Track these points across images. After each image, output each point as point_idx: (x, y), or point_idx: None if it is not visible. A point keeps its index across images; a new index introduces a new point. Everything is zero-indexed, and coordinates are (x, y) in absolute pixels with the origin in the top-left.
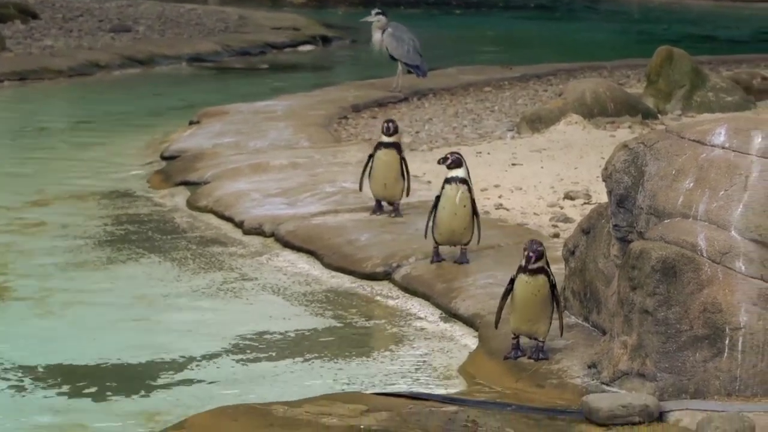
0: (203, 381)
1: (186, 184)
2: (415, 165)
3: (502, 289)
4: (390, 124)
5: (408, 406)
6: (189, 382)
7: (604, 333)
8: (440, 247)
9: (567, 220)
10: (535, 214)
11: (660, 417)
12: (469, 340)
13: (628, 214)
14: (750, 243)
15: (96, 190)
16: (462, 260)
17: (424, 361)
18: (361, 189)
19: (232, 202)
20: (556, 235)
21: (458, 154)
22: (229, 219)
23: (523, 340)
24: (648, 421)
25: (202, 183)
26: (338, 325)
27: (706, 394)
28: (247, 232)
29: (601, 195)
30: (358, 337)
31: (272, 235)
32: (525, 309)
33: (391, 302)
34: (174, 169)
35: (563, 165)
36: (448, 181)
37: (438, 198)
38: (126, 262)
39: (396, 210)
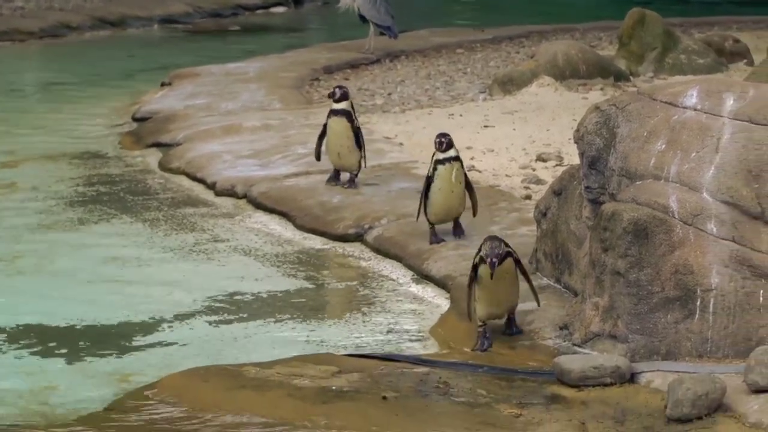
0: (175, 342)
1: (158, 145)
2: (387, 127)
3: (473, 251)
4: (338, 90)
5: (380, 368)
6: (161, 343)
7: (575, 294)
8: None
9: (539, 181)
10: (507, 175)
11: (631, 378)
12: (440, 301)
13: (600, 176)
14: (721, 205)
15: (67, 151)
16: (459, 233)
17: (396, 323)
18: (318, 158)
19: (204, 163)
20: (528, 197)
21: (448, 135)
22: (201, 180)
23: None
24: (619, 383)
25: (174, 144)
26: (310, 286)
27: (678, 356)
28: (219, 194)
29: (573, 157)
30: (330, 299)
31: (244, 196)
32: (495, 293)
33: (363, 264)
34: (146, 131)
35: (535, 127)
36: (441, 162)
37: (429, 179)
38: (97, 223)
39: (351, 182)
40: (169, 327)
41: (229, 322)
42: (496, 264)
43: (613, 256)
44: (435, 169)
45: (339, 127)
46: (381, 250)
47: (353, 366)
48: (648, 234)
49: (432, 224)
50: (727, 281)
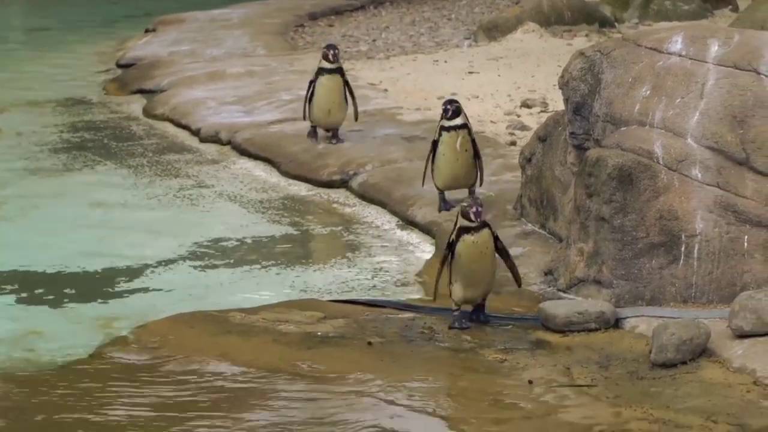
0: (160, 288)
1: (142, 92)
2: (372, 73)
3: (460, 198)
4: (333, 51)
5: (365, 313)
6: (146, 289)
7: (560, 240)
8: (445, 193)
9: (524, 128)
10: (492, 122)
11: (616, 324)
12: (425, 247)
13: (585, 122)
14: (706, 150)
15: (52, 97)
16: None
17: (381, 269)
18: (305, 118)
19: (189, 110)
20: (513, 143)
21: (456, 102)
22: (185, 127)
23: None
24: (604, 328)
25: (158, 91)
26: (295, 232)
27: (662, 301)
28: (203, 140)
29: (557, 103)
30: (315, 245)
31: (229, 142)
32: (473, 273)
33: (347, 210)
34: (130, 77)
35: (520, 73)
36: (446, 129)
37: (435, 143)
38: (82, 170)
39: (335, 136)
40: (154, 273)
41: (214, 267)
42: (480, 213)
43: (597, 201)
44: (440, 135)
45: (331, 83)
46: (366, 196)
47: (338, 312)
48: (633, 180)
49: (440, 190)
50: (712, 227)
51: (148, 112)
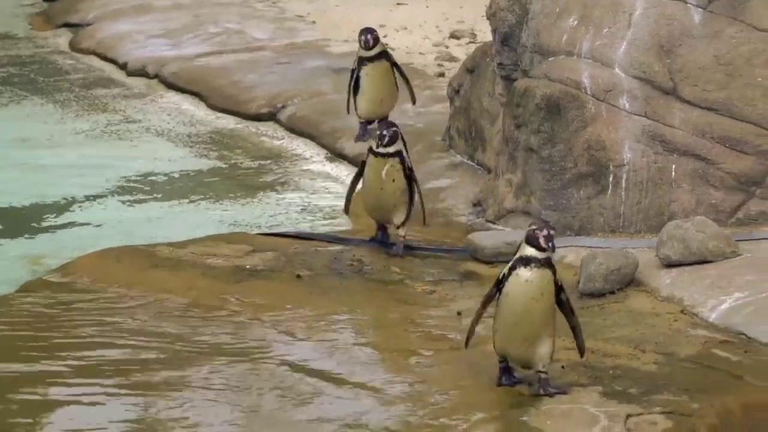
0: (88, 223)
1: (68, 25)
2: (299, 5)
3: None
4: (366, 36)
5: (293, 246)
6: (74, 224)
7: (489, 171)
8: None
9: (452, 59)
10: (420, 53)
11: None
12: None
13: (513, 53)
14: (634, 80)
15: None
16: (396, 251)
17: (310, 201)
18: (348, 111)
19: (115, 43)
20: (441, 75)
21: (395, 128)
22: (112, 61)
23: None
24: None
25: (84, 24)
26: (223, 166)
27: (590, 231)
28: (130, 74)
29: (485, 34)
30: (244, 178)
31: (156, 76)
32: (519, 324)
33: (276, 143)
34: (56, 11)
35: (448, 4)
36: (373, 153)
37: (362, 164)
38: (8, 105)
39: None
40: (82, 208)
41: (142, 202)
42: (551, 243)
43: (525, 132)
44: (367, 155)
45: (377, 71)
46: (294, 128)
47: (267, 245)
48: (560, 110)
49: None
50: (640, 156)
51: (74, 46)
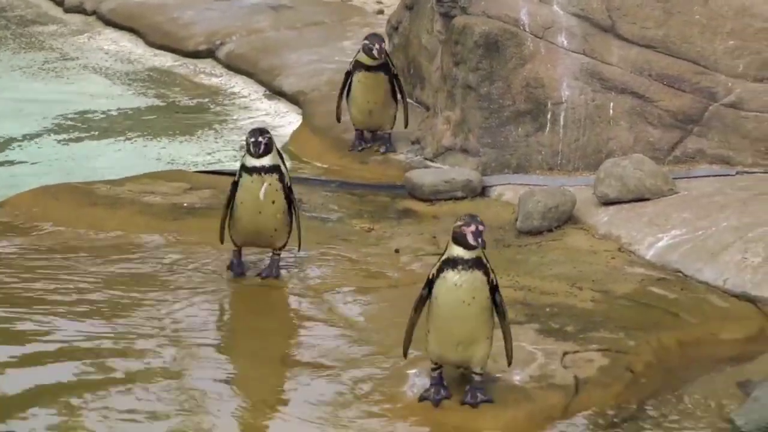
0: (24, 161)
1: None
2: None
3: (327, 66)
4: (377, 46)
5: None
6: (10, 162)
7: (427, 109)
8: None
9: None
10: None
11: (483, 192)
12: (293, 117)
13: None
14: (572, 17)
15: None
16: (269, 273)
17: None
18: (338, 119)
19: None
20: (380, 12)
21: (269, 134)
22: None
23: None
24: (471, 196)
25: None
26: (161, 104)
27: (528, 169)
28: (68, 11)
29: None
30: (182, 116)
31: (94, 13)
32: (451, 327)
33: (214, 80)
34: None
35: None
36: (247, 170)
37: (234, 185)
38: None
39: (388, 143)
40: (18, 146)
41: (80, 140)
42: (480, 236)
43: (464, 69)
44: (240, 175)
45: (372, 81)
46: (232, 66)
47: (205, 182)
48: (499, 47)
49: (237, 246)
50: (578, 94)
51: None
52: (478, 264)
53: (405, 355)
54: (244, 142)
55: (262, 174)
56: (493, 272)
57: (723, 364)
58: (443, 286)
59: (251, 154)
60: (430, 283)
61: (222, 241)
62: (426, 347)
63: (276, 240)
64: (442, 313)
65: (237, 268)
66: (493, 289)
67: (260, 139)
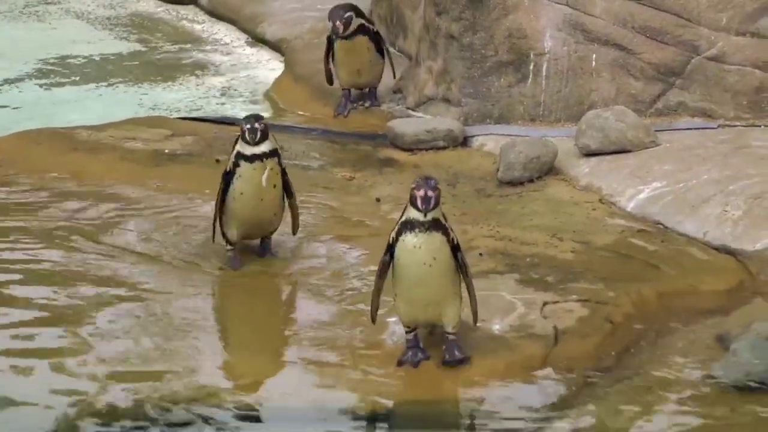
0: (5, 106)
1: None
2: None
3: (309, 15)
4: (340, 23)
5: (213, 131)
6: None
7: (410, 59)
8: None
9: None
10: None
11: (464, 142)
12: (275, 65)
13: None
14: None
15: None
16: (266, 251)
17: (230, 86)
18: (330, 82)
19: None
20: None
21: (263, 119)
22: None
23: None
24: (452, 146)
25: None
26: (143, 49)
27: (510, 119)
28: None
29: None
30: (164, 62)
31: None
32: (417, 286)
33: (197, 27)
34: None
35: None
36: (246, 158)
37: (228, 176)
38: None
39: (373, 98)
40: None
41: (61, 85)
42: (432, 201)
43: (447, 19)
44: (236, 164)
45: (352, 46)
46: (215, 12)
47: (187, 129)
48: None
49: (232, 244)
50: (561, 45)
51: None
52: (435, 225)
53: (373, 320)
54: (240, 131)
55: (264, 160)
56: (452, 231)
57: (702, 316)
58: (403, 249)
59: (248, 142)
60: (390, 248)
61: (214, 240)
62: (396, 311)
63: (274, 224)
64: (405, 275)
65: (236, 262)
66: (455, 248)
67: (256, 125)
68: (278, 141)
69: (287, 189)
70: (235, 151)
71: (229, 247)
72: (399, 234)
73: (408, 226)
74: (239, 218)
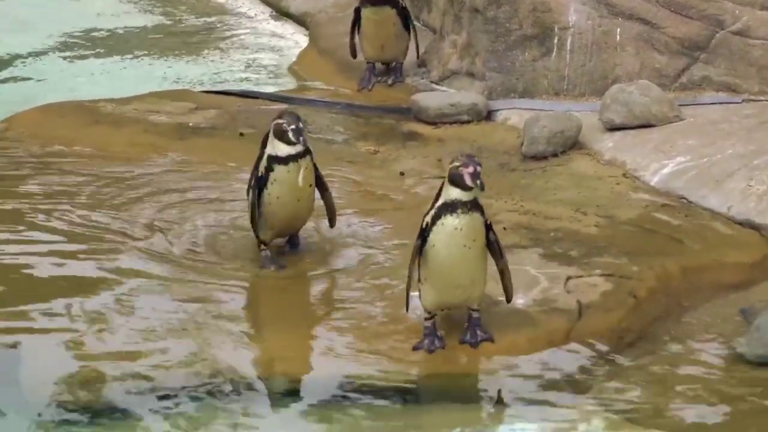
0: (30, 78)
1: None
2: None
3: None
4: None
5: (237, 104)
6: (15, 79)
7: (434, 32)
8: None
9: None
10: None
11: (488, 116)
12: (299, 38)
13: None
14: None
15: None
16: (296, 244)
17: (254, 60)
18: (353, 55)
19: None
20: None
21: (296, 118)
22: None
23: None
24: (476, 120)
25: None
26: (167, 22)
27: (534, 94)
28: None
29: None
30: (188, 36)
31: None
32: (450, 272)
33: (221, 0)
34: None
35: None
36: (280, 160)
37: (261, 180)
38: None
39: (398, 73)
40: (23, 64)
41: (85, 58)
42: (477, 173)
43: None
44: (270, 168)
45: (379, 16)
46: None
47: (210, 102)
48: None
49: (265, 243)
50: (585, 19)
51: None
52: (475, 206)
53: (407, 308)
54: (273, 132)
55: (299, 160)
56: (488, 218)
57: (726, 291)
58: (442, 232)
59: (290, 143)
60: (424, 232)
61: (260, 246)
62: (421, 295)
63: (306, 220)
64: (442, 259)
65: (276, 261)
66: (488, 228)
67: (300, 125)
68: (304, 115)
69: (321, 184)
70: (266, 155)
71: (263, 247)
72: (437, 217)
73: (448, 208)
74: (276, 221)
